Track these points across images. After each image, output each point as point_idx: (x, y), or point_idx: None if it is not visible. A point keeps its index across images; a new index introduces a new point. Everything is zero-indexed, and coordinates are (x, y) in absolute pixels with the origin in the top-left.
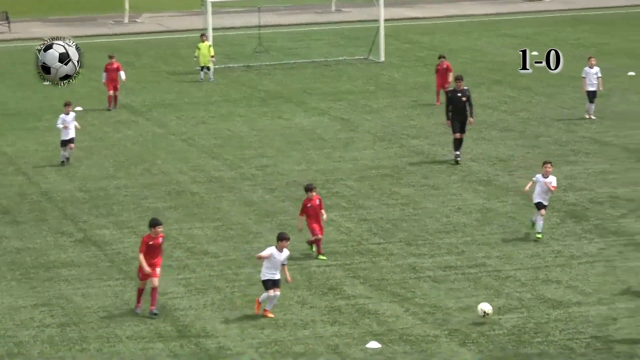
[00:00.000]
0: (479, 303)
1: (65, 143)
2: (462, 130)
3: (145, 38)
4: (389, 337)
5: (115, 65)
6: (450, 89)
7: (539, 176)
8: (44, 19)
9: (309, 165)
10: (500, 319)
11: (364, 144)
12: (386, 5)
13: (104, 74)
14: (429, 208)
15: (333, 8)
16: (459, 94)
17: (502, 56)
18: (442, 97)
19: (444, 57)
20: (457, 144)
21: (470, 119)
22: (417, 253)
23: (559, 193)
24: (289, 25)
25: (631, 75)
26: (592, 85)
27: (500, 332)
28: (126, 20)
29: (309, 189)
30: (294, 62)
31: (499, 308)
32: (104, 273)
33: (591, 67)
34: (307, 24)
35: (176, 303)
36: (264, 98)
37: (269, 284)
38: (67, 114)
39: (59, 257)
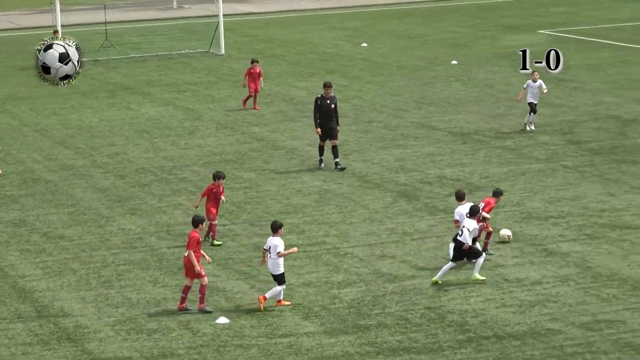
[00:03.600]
0: (319, 279)
1: None
2: (333, 137)
3: None
4: (236, 312)
5: None
6: (319, 96)
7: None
8: None
9: (157, 152)
10: (340, 293)
11: (208, 131)
12: (224, 1)
13: None
14: (270, 191)
15: (175, 5)
16: (328, 101)
17: (334, 47)
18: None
19: (256, 62)
20: (333, 150)
21: (337, 127)
22: (261, 233)
23: (391, 174)
24: (133, 21)
25: (453, 64)
26: (533, 97)
27: (341, 305)
28: None
29: (219, 177)
30: (139, 56)
31: (339, 283)
32: None
33: (534, 82)
34: (150, 20)
35: (35, 285)
36: (111, 90)
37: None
38: None
39: None
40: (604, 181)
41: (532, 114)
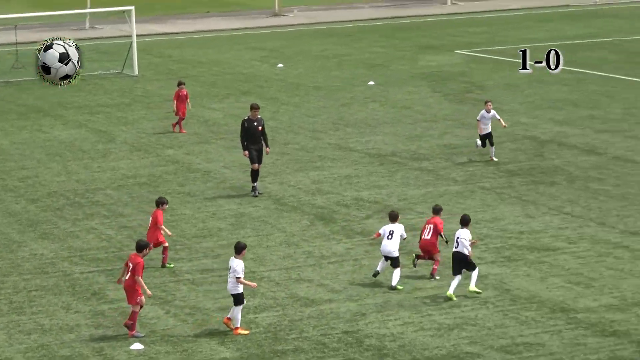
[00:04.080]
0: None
1: None
2: (260, 161)
3: None
4: (151, 338)
5: None
6: (246, 118)
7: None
8: None
9: (69, 175)
10: (256, 317)
11: (122, 154)
12: (138, 21)
13: None
14: (185, 214)
15: (87, 25)
16: (255, 123)
17: (250, 68)
18: (195, 124)
19: (183, 84)
20: (255, 175)
21: (267, 149)
22: (176, 257)
23: (308, 197)
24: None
25: (370, 85)
26: (486, 128)
27: (257, 330)
28: None
29: (162, 202)
30: None
31: (255, 307)
32: None
33: (488, 112)
34: None
35: None
36: (23, 112)
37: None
38: None
39: None
40: (522, 203)
41: (490, 145)
